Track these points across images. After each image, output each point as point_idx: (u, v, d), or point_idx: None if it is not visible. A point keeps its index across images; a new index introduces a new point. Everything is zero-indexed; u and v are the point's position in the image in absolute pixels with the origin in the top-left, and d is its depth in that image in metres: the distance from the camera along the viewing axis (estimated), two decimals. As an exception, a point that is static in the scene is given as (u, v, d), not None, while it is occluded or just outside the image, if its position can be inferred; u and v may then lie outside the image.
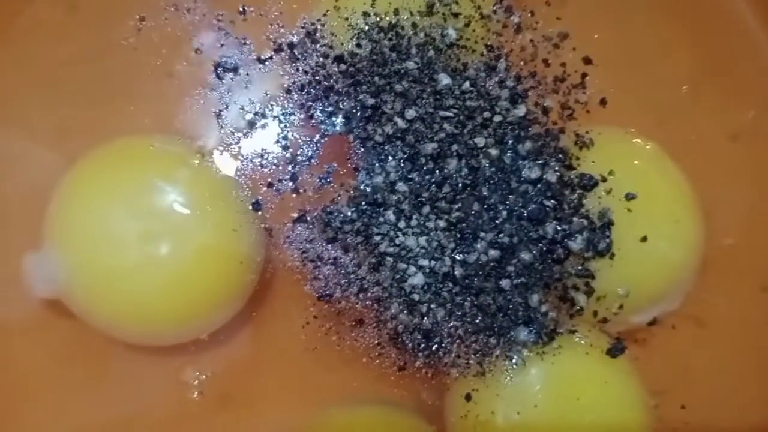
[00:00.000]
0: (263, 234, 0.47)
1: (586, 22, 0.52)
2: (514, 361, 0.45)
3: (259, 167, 0.48)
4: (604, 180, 0.46)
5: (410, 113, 0.46)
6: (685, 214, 0.47)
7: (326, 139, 0.48)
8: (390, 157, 0.46)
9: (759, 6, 0.54)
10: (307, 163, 0.48)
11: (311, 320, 0.46)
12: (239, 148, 0.49)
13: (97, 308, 0.45)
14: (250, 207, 0.46)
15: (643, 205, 0.45)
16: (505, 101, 0.47)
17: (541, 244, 0.45)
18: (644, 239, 0.45)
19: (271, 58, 0.49)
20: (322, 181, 0.47)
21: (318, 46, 0.48)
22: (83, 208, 0.45)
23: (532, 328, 0.45)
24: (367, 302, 0.44)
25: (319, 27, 0.49)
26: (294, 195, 0.47)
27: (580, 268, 0.45)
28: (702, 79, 0.52)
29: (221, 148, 0.49)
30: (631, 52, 0.52)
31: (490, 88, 0.48)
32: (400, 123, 0.47)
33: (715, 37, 0.54)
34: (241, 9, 0.51)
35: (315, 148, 0.48)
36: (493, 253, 0.44)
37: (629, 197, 0.45)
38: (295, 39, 0.49)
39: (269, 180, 0.48)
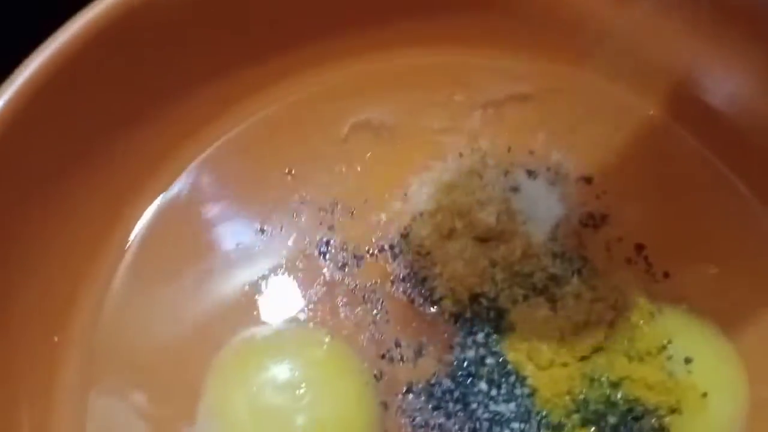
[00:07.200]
0: (378, 406, 0.55)
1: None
2: None
3: (372, 339, 0.57)
4: (664, 348, 0.54)
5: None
6: (734, 371, 0.55)
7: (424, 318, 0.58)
8: (479, 332, 0.56)
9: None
10: (410, 339, 0.57)
11: (424, 492, 0.53)
12: (356, 327, 0.58)
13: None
14: (374, 377, 0.55)
15: (699, 367, 0.54)
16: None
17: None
18: (705, 395, 0.53)
19: (376, 255, 0.60)
20: (416, 354, 0.56)
21: (413, 245, 0.59)
22: (229, 391, 0.55)
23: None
24: (470, 465, 0.52)
25: (411, 230, 0.60)
26: (401, 364, 0.56)
27: (654, 422, 0.52)
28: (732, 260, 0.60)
29: (344, 328, 0.58)
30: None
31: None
32: (485, 302, 0.57)
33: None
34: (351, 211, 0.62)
35: (414, 326, 0.58)
36: (576, 416, 0.53)
37: (687, 361, 0.54)
38: (394, 241, 0.60)
39: (382, 352, 0.57)
